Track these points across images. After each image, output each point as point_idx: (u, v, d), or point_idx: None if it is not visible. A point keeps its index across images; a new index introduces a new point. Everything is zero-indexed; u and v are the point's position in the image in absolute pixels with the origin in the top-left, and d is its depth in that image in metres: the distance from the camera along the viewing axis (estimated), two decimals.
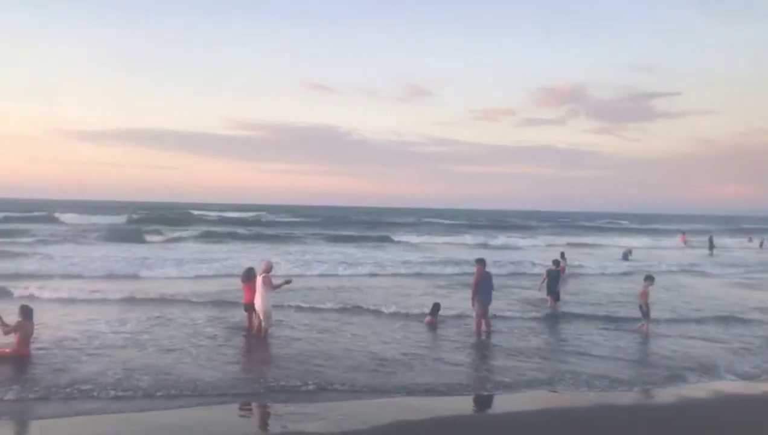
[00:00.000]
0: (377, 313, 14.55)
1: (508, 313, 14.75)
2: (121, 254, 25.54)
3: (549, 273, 15.79)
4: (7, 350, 9.60)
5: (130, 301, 15.25)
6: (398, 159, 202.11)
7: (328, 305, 15.17)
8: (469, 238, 43.69)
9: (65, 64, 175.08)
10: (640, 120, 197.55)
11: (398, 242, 39.89)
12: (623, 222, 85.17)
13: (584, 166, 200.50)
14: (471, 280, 13.02)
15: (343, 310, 14.79)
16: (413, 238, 42.11)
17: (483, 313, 12.47)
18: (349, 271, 22.57)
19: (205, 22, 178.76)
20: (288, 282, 12.14)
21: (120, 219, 53.28)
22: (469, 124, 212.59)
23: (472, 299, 12.51)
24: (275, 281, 11.65)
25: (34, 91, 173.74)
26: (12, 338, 9.73)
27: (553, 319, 14.50)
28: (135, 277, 20.08)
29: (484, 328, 12.48)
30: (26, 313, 9.83)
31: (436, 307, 13.79)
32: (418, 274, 22.67)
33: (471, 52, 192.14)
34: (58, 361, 9.53)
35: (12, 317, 9.91)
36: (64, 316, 13.09)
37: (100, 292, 16.22)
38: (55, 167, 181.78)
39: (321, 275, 21.62)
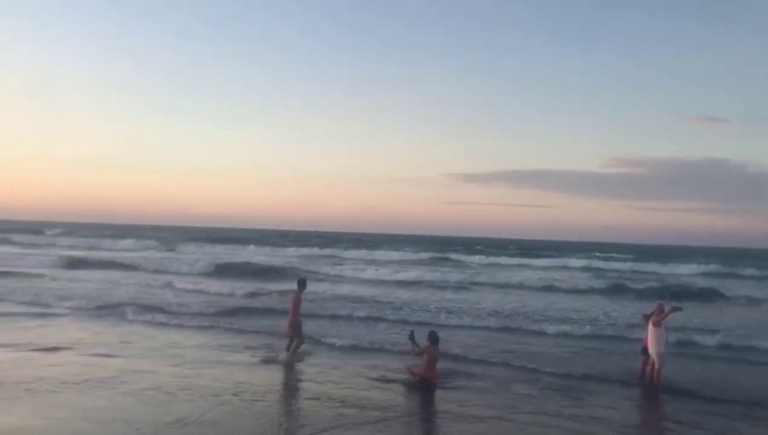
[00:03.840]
0: None
1: None
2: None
3: None
4: (417, 370, 10.62)
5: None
6: None
7: None
8: None
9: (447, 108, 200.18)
10: None
11: None
12: None
13: None
14: None
15: None
16: None
17: None
18: None
19: (581, 57, 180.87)
20: (677, 309, 11.08)
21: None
22: None
23: None
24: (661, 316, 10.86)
25: (429, 138, 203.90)
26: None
27: None
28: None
29: None
30: (433, 338, 10.75)
31: None
32: None
33: None
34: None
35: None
36: None
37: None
38: (448, 208, 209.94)
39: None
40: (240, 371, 11.07)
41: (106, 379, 9.97)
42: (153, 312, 17.60)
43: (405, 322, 17.28)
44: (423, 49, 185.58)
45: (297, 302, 12.24)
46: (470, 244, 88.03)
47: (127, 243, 58.39)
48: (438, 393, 10.13)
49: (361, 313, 18.57)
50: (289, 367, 11.67)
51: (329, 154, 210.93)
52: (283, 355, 12.13)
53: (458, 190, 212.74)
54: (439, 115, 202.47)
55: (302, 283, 12.62)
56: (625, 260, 57.05)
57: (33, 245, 54.76)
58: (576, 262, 50.86)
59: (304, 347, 12.55)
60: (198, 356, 12.31)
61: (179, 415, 8.06)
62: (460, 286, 29.02)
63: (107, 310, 18.03)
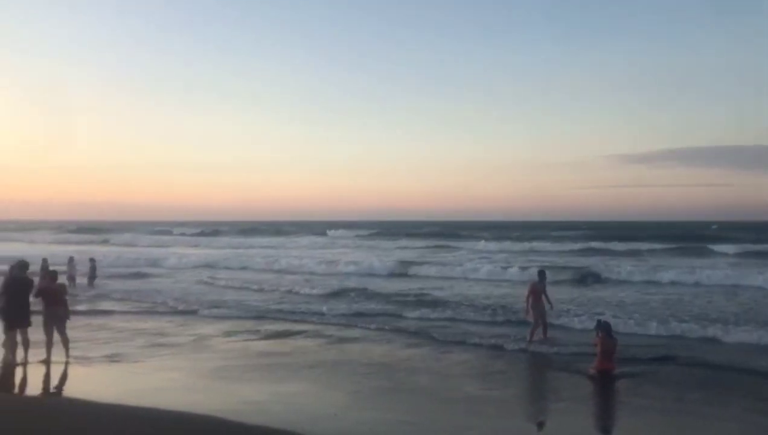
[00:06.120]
0: None
1: None
2: None
3: None
4: (591, 368, 10.57)
5: None
6: None
7: None
8: None
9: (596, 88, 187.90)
10: None
11: None
12: None
13: None
14: None
15: None
16: None
17: None
18: None
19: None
20: None
21: None
22: None
23: None
24: None
25: (588, 118, 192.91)
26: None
27: None
28: None
29: None
30: (605, 328, 10.64)
31: None
32: None
33: None
34: None
35: None
36: None
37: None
38: (609, 191, 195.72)
39: None
40: (467, 355, 12.08)
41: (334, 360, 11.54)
42: (360, 315, 17.25)
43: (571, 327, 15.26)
44: (586, 26, 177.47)
45: (538, 290, 13.44)
46: (639, 229, 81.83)
47: (307, 240, 63.00)
48: (618, 384, 10.02)
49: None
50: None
51: (482, 141, 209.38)
52: (537, 339, 13.09)
53: (621, 171, 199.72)
54: (598, 93, 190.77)
55: (542, 274, 14.00)
56: None
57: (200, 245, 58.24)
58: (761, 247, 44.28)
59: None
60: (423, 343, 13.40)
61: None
62: (631, 280, 25.93)
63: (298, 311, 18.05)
